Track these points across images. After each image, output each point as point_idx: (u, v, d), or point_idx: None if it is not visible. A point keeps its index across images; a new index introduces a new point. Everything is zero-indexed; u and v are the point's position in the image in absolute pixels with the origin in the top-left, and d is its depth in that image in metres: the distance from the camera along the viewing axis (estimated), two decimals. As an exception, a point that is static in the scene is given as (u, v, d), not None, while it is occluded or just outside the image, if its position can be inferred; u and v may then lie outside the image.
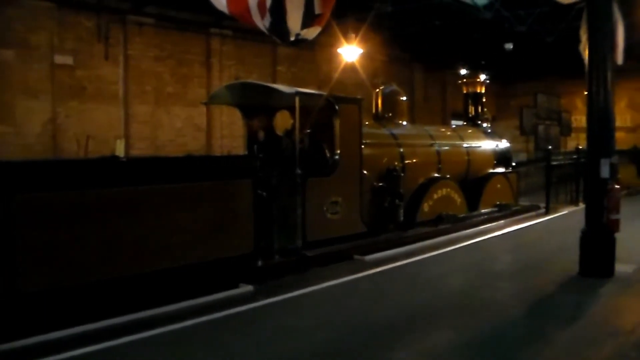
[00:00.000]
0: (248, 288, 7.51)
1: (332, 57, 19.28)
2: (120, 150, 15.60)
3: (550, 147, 17.13)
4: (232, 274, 7.63)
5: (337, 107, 9.56)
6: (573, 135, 29.29)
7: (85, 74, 15.97)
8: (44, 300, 5.91)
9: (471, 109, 15.71)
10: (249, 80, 12.41)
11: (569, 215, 14.16)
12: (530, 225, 12.97)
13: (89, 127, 15.64)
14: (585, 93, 8.32)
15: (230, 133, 18.54)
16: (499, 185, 14.22)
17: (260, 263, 8.08)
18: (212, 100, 11.47)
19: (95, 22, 16.15)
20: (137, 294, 6.57)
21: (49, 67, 15.24)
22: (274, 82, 19.13)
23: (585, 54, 8.52)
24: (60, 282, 6.05)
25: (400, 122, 12.48)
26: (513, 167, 15.47)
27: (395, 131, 11.81)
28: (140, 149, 16.72)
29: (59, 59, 15.44)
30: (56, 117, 15.35)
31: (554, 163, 15.63)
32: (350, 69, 17.97)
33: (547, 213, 14.62)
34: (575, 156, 16.56)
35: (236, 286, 7.50)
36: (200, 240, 7.30)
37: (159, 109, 17.59)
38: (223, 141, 18.76)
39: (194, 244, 7.22)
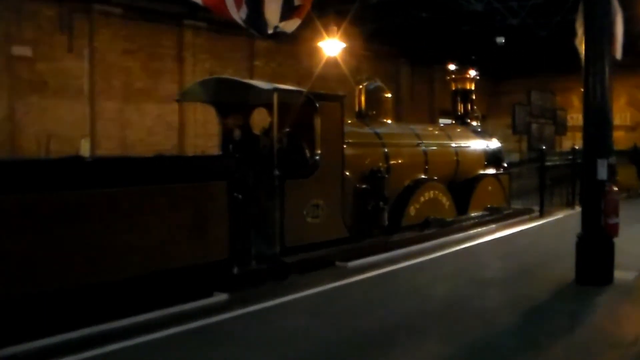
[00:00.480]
0: (223, 297, 7.50)
1: (313, 52, 19.31)
2: (85, 150, 15.51)
3: (544, 146, 17.21)
4: (206, 282, 7.61)
5: (317, 105, 9.57)
6: (569, 134, 29.46)
7: (47, 67, 15.83)
8: (1, 310, 5.84)
9: (460, 107, 15.79)
10: (225, 76, 12.38)
11: (565, 219, 14.28)
12: (523, 229, 13.06)
13: (50, 124, 15.51)
14: (582, 90, 8.32)
15: (204, 132, 18.50)
16: (489, 188, 14.31)
17: (235, 270, 8.07)
18: (185, 96, 11.44)
19: (57, 11, 16.02)
20: (104, 303, 6.52)
21: (5, 59, 15.09)
22: (251, 77, 19.12)
23: (582, 49, 8.49)
24: (19, 291, 5.98)
25: (385, 120, 12.53)
26: (505, 168, 15.56)
27: (380, 130, 11.86)
28: (108, 149, 16.63)
29: (17, 50, 15.28)
30: (14, 114, 15.20)
31: (549, 164, 15.74)
32: (332, 64, 18.01)
33: (541, 217, 14.73)
34: (571, 156, 16.69)
35: (210, 295, 7.48)
36: (171, 246, 7.27)
37: (127, 106, 17.51)
38: (197, 140, 18.73)
39: (165, 249, 7.19)
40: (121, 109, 17.29)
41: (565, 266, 8.40)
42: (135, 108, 17.72)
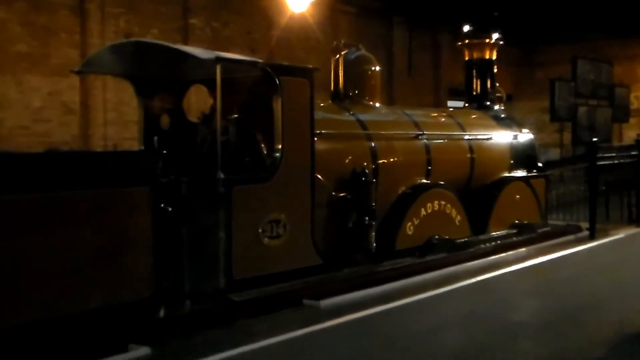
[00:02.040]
0: (143, 351, 7.52)
1: (272, 7, 19.39)
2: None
3: (596, 139, 17.40)
4: (119, 331, 7.63)
5: (278, 81, 9.63)
6: (632, 121, 29.82)
7: None
8: None
9: (477, 84, 15.89)
10: (146, 39, 12.41)
11: (627, 241, 14.49)
12: (566, 255, 13.18)
13: None
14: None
15: (117, 117, 18.47)
16: (518, 196, 14.43)
17: (162, 313, 8.12)
18: (89, 67, 11.40)
19: None
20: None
21: None
22: (185, 42, 19.15)
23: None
24: None
25: (372, 103, 12.67)
26: (540, 169, 15.71)
27: (364, 117, 11.97)
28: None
29: None
30: None
31: (603, 163, 15.86)
32: (299, 25, 18.09)
33: (592, 238, 14.88)
34: (635, 152, 16.87)
35: (125, 349, 7.50)
36: (69, 281, 7.26)
37: (2, 79, 17.38)
38: (107, 129, 18.67)
39: (59, 286, 7.18)
40: (-7, 83, 17.20)
41: (629, 309, 8.49)
42: (13, 81, 17.56)
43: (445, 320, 8.90)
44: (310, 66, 10.47)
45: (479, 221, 13.38)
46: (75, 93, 18.39)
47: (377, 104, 12.84)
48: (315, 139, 10.24)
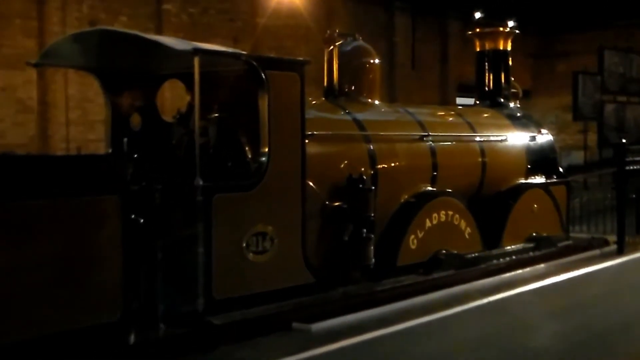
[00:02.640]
0: (112, 381, 7.58)
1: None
2: None
3: (625, 140, 17.41)
4: (84, 359, 7.67)
5: (264, 76, 9.67)
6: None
7: None
8: None
9: (489, 79, 15.92)
10: (114, 28, 12.42)
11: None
12: (591, 272, 13.21)
13: None
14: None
15: (81, 116, 18.49)
16: (535, 206, 14.45)
17: (132, 339, 8.12)
18: (48, 59, 11.42)
19: None
20: None
21: None
22: (159, 31, 19.18)
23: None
24: None
25: (371, 100, 12.72)
26: (560, 174, 15.77)
27: (362, 116, 12.01)
28: None
29: None
30: None
31: (633, 167, 15.90)
32: (289, 11, 18.12)
33: (620, 252, 14.93)
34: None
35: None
36: (25, 303, 7.26)
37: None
38: (70, 130, 18.66)
39: (15, 309, 7.19)
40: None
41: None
42: (-40, 76, 17.66)
43: (454, 346, 8.91)
44: (301, 59, 10.49)
45: (491, 234, 13.41)
46: (33, 88, 18.39)
47: (377, 102, 12.89)
48: (307, 141, 10.26)
